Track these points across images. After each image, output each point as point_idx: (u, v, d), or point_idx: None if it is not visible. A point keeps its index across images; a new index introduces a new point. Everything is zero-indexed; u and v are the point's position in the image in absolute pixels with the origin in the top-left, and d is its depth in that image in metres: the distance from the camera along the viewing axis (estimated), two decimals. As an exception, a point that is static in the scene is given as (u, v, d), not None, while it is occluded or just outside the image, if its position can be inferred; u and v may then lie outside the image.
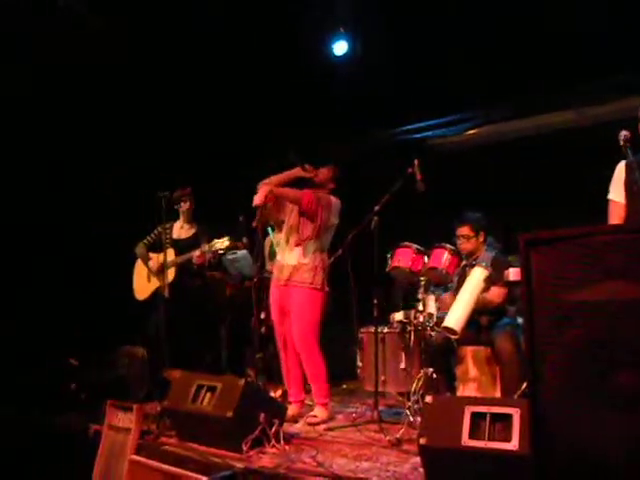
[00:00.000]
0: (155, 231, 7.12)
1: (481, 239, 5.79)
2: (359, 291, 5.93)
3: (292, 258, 5.63)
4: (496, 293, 5.52)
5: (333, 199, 5.66)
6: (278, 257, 5.76)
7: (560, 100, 7.46)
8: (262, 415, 4.69)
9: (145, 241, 7.20)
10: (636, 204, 4.22)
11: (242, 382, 4.74)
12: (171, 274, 6.85)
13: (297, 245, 5.61)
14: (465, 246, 5.80)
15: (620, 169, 4.37)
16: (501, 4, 6.88)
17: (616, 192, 4.35)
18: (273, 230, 6.29)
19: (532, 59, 7.05)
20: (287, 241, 5.66)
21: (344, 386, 7.23)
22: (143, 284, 7.17)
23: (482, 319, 5.62)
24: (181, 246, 6.94)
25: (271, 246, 6.82)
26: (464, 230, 5.81)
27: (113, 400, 5.27)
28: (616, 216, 4.31)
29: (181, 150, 8.27)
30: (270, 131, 8.18)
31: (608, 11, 6.45)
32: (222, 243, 6.49)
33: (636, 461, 2.56)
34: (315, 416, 5.62)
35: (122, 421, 5.16)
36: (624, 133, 3.99)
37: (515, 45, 7.03)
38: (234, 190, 6.82)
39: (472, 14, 7.09)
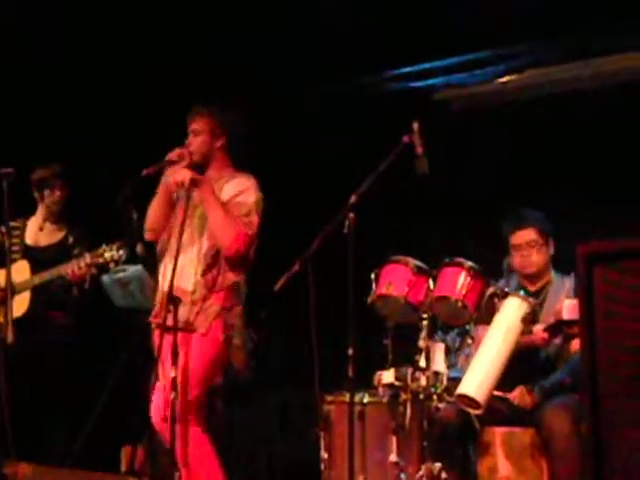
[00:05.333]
0: (-7, 233, 6.31)
1: (551, 251, 5.25)
2: (323, 335, 4.89)
3: (187, 279, 4.88)
4: (543, 339, 5.06)
5: (243, 182, 4.87)
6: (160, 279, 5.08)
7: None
8: None
9: (-23, 250, 6.28)
10: None
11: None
12: (22, 304, 5.96)
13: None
14: (534, 259, 5.22)
15: None
16: None
17: None
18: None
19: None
20: (177, 248, 4.78)
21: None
22: (-28, 321, 6.26)
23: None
24: (41, 258, 6.13)
25: None
26: (529, 233, 5.19)
27: None
28: None
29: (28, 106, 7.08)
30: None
31: None
32: (114, 252, 5.65)
33: None
34: None
35: None
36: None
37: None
38: (115, 166, 6.55)
39: None
